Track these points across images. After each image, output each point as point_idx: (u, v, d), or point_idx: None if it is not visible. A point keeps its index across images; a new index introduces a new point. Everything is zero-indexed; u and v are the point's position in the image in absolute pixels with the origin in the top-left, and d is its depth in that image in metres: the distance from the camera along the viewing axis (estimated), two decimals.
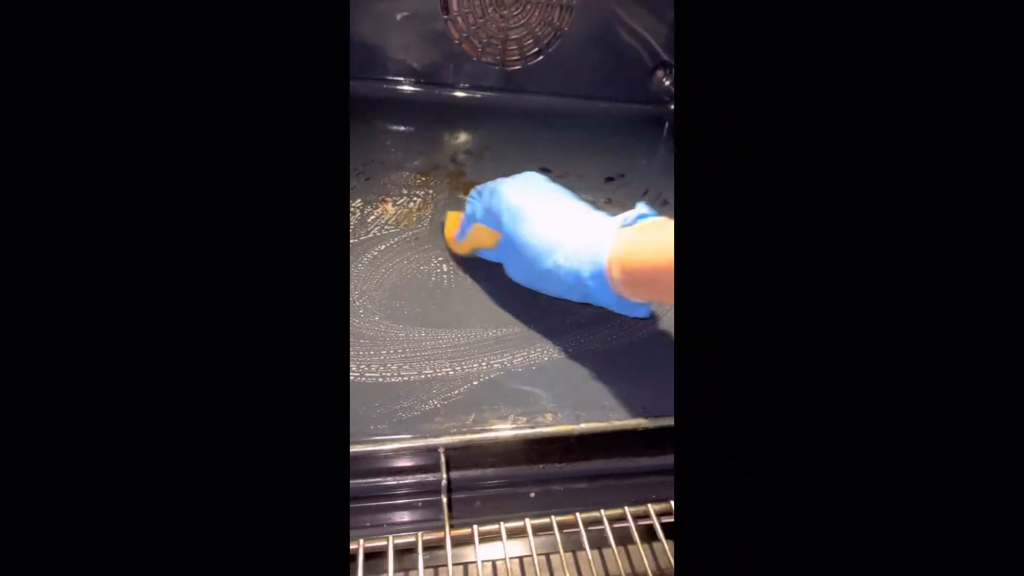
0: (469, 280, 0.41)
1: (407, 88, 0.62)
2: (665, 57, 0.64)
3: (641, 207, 0.33)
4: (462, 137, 0.59)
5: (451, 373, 0.34)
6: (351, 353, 0.34)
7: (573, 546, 0.28)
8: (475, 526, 0.27)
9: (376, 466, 0.31)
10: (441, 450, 0.29)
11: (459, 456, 0.31)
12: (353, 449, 0.28)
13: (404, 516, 0.30)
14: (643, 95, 0.66)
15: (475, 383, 0.33)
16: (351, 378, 0.33)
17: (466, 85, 0.63)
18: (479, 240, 0.39)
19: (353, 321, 0.36)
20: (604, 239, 0.31)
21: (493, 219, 0.37)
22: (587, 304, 0.35)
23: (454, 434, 0.30)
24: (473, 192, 0.39)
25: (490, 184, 0.38)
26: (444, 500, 0.29)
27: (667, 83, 0.65)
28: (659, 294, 0.31)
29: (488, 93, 0.63)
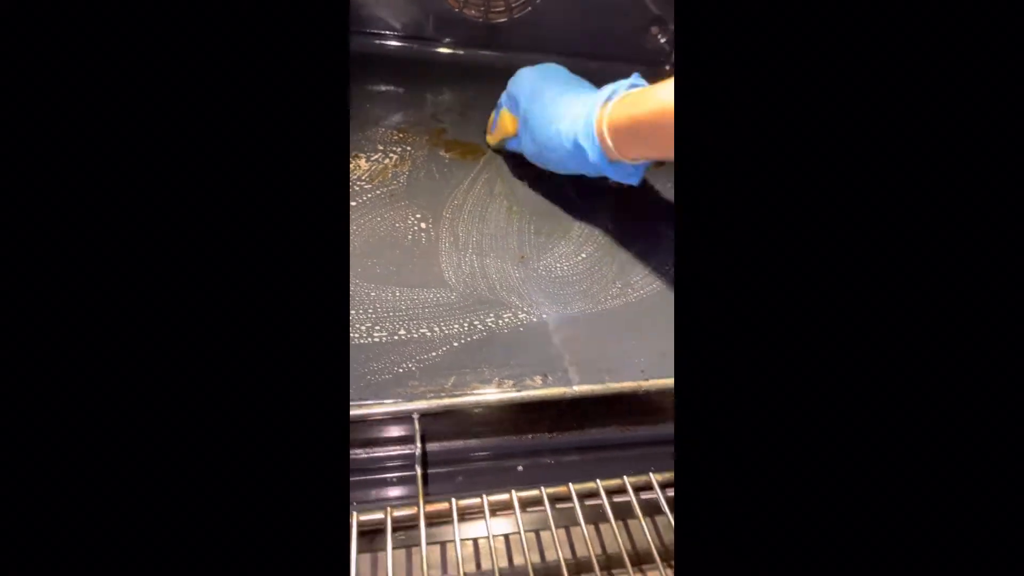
0: (451, 237, 0.37)
1: (387, 43, 0.57)
2: (658, 12, 0.60)
3: (635, 77, 0.34)
4: (444, 95, 0.55)
5: (428, 335, 0.30)
6: None
7: (566, 521, 0.25)
8: (453, 499, 0.24)
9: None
10: (416, 416, 0.26)
11: (437, 425, 0.28)
12: None
13: (372, 492, 0.26)
14: (637, 54, 0.62)
15: (455, 344, 0.30)
16: None
17: (449, 41, 0.59)
18: (505, 128, 0.41)
19: None
20: (598, 102, 0.33)
21: (512, 103, 0.41)
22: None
23: (431, 399, 0.26)
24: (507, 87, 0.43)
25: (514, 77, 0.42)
26: (418, 472, 0.25)
27: (662, 40, 0.62)
28: (648, 149, 0.32)
29: (472, 50, 0.59)
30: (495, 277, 0.35)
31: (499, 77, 0.58)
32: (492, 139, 0.44)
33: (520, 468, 0.29)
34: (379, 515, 0.23)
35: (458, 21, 0.57)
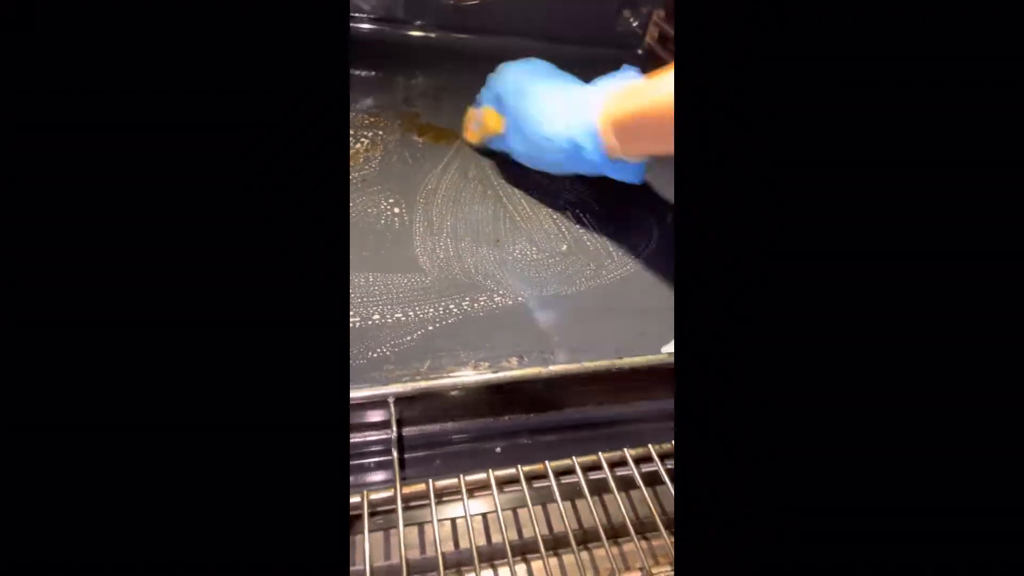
0: (426, 222, 0.37)
1: (358, 27, 0.56)
2: None
3: (627, 69, 0.34)
4: (417, 79, 0.54)
5: (403, 319, 0.30)
6: None
7: (543, 499, 0.25)
8: (431, 480, 0.24)
9: None
10: (391, 400, 0.26)
11: (413, 409, 0.28)
12: None
13: (350, 478, 0.26)
14: (608, 38, 0.62)
15: (430, 328, 0.30)
16: None
17: (420, 24, 0.58)
18: (489, 127, 0.39)
19: None
20: (594, 99, 0.32)
21: (497, 100, 0.38)
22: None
23: (406, 382, 0.26)
24: (486, 83, 0.41)
25: (495, 73, 0.40)
26: (395, 456, 0.25)
27: (634, 23, 0.62)
28: (653, 143, 0.31)
29: (444, 33, 0.58)
30: (470, 261, 0.35)
31: (473, 60, 0.57)
32: (472, 137, 0.43)
33: (498, 450, 0.29)
34: (356, 499, 0.23)
35: (429, 4, 0.56)
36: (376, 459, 0.27)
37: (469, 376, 0.27)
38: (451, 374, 0.27)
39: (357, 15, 0.56)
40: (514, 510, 0.26)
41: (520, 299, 0.33)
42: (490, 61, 0.58)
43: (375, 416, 0.27)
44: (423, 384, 0.26)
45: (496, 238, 0.37)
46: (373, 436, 0.28)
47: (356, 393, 0.26)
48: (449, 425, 0.29)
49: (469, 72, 0.56)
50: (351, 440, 0.27)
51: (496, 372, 0.28)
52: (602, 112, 0.32)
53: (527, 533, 0.25)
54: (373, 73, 0.53)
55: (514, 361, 0.29)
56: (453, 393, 0.28)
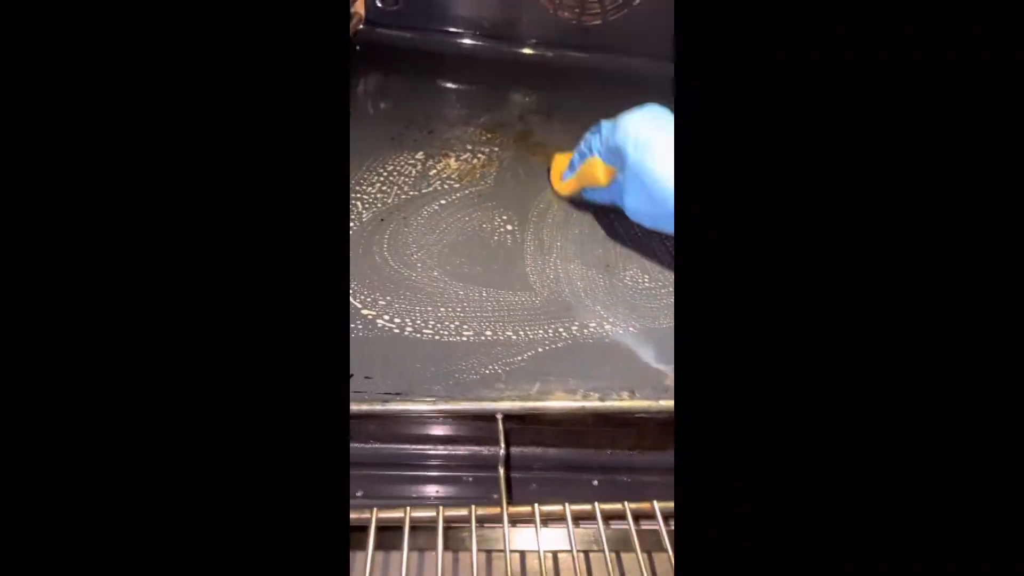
0: (536, 241, 0.37)
1: (473, 43, 0.58)
2: None
3: None
4: (530, 96, 0.55)
5: (513, 338, 0.30)
6: (403, 307, 0.31)
7: (651, 545, 0.24)
8: (536, 505, 0.24)
9: (424, 432, 0.28)
10: (499, 417, 0.26)
11: (518, 430, 0.28)
12: (400, 407, 0.25)
13: (451, 490, 0.27)
14: None
15: (540, 351, 0.30)
16: (405, 333, 0.30)
17: (533, 41, 0.59)
18: (590, 177, 0.36)
19: (410, 275, 0.33)
20: None
21: (613, 154, 0.35)
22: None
23: (516, 400, 0.26)
24: (591, 129, 0.38)
25: (611, 120, 0.36)
26: (501, 474, 0.25)
27: None
28: None
29: (560, 51, 0.59)
30: (579, 284, 0.34)
31: (587, 79, 0.57)
32: (566, 188, 0.39)
33: (595, 483, 0.29)
34: (463, 511, 0.23)
35: (549, 21, 0.57)
36: (477, 472, 0.28)
37: (577, 403, 0.27)
38: (560, 399, 0.27)
39: (475, 31, 0.58)
40: (618, 553, 0.24)
41: (632, 329, 0.32)
42: (605, 80, 0.58)
43: (481, 432, 0.28)
44: (533, 404, 0.26)
45: (606, 263, 0.36)
46: (476, 450, 0.28)
47: (467, 405, 0.26)
48: (550, 450, 0.28)
49: (582, 91, 0.56)
50: (456, 451, 0.28)
51: (605, 402, 0.27)
52: None
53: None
54: (490, 89, 0.54)
55: (625, 395, 0.28)
56: (558, 417, 0.27)
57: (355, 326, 0.29)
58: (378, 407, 0.25)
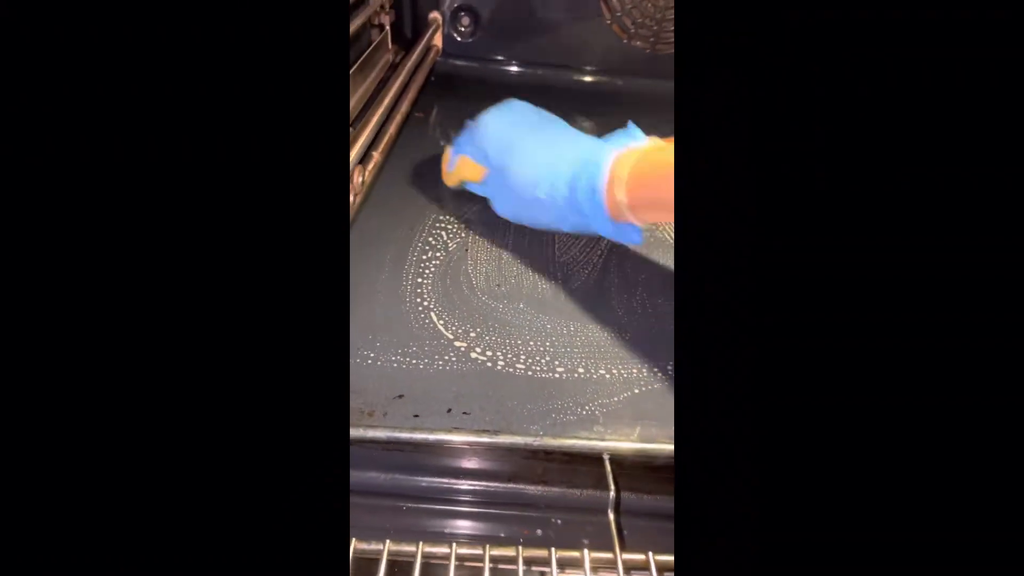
0: (621, 273, 0.36)
1: (545, 71, 0.59)
2: None
3: (633, 128, 0.32)
4: (599, 124, 0.54)
5: (607, 376, 0.29)
6: (494, 339, 0.31)
7: None
8: (651, 553, 0.23)
9: (525, 470, 0.27)
10: (606, 458, 0.25)
11: (621, 473, 0.27)
12: (502, 440, 0.25)
13: (558, 532, 0.26)
14: None
15: (636, 391, 0.29)
16: (497, 367, 0.29)
17: (607, 69, 0.59)
18: (465, 173, 0.38)
19: (496, 306, 0.33)
20: (601, 159, 0.30)
21: (479, 153, 0.36)
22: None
23: (621, 442, 0.25)
24: (461, 129, 0.39)
25: (473, 121, 0.38)
26: (612, 519, 0.24)
27: None
28: (668, 212, 0.29)
29: (630, 79, 0.59)
30: (670, 320, 0.33)
31: (658, 105, 0.57)
32: (450, 180, 0.40)
33: None
34: (575, 553, 0.23)
35: (616, 49, 0.57)
36: (589, 517, 0.27)
37: None
38: (665, 444, 0.26)
39: (545, 60, 0.58)
40: None
41: None
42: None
43: (586, 470, 0.27)
44: (641, 446, 0.25)
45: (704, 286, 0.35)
46: (587, 493, 0.27)
47: (568, 443, 0.26)
48: (660, 498, 0.27)
49: (653, 117, 0.56)
50: (556, 490, 0.27)
51: None
52: (613, 175, 0.29)
53: None
54: (563, 117, 0.54)
55: None
56: (667, 463, 0.26)
57: (448, 358, 0.30)
58: (484, 439, 0.25)
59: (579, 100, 0.57)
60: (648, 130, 0.52)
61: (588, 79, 0.59)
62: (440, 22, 0.56)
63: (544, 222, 0.35)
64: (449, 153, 0.40)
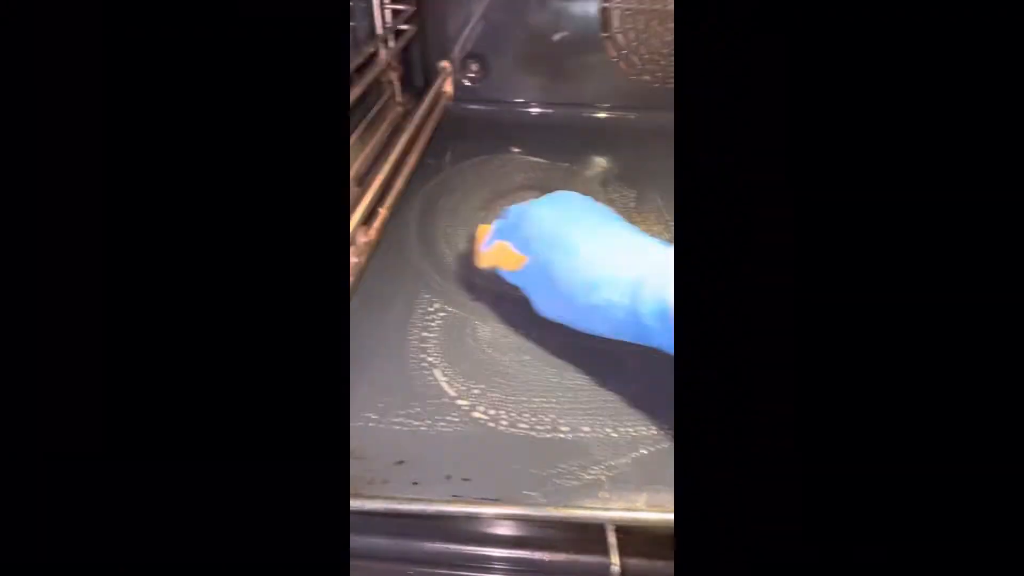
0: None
1: (554, 111, 0.59)
2: None
3: None
4: (612, 161, 0.54)
5: (613, 435, 0.29)
6: (497, 396, 0.30)
7: None
8: None
9: (529, 536, 0.26)
10: (610, 528, 0.24)
11: (625, 540, 0.25)
12: (497, 510, 0.25)
13: None
14: None
15: (643, 452, 0.28)
16: (500, 427, 0.29)
17: (616, 105, 0.59)
18: (501, 259, 0.35)
19: (501, 359, 0.33)
20: (661, 257, 0.28)
21: (521, 242, 0.33)
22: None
23: (625, 510, 0.24)
24: (504, 211, 0.36)
25: (520, 205, 0.35)
26: None
27: None
28: None
29: (642, 113, 0.59)
30: None
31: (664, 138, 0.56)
32: (483, 261, 0.36)
33: None
34: None
35: (624, 85, 0.57)
36: None
37: None
38: (669, 510, 0.25)
39: (552, 100, 0.59)
40: None
41: None
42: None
43: (586, 539, 0.26)
44: (645, 516, 0.24)
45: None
46: (582, 559, 0.26)
47: (572, 512, 0.25)
48: (659, 564, 0.26)
49: (659, 150, 0.55)
50: (561, 556, 0.26)
51: None
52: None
53: None
54: (570, 155, 0.54)
55: None
56: (669, 531, 0.25)
57: (451, 419, 0.29)
58: (484, 509, 0.25)
59: (591, 137, 0.57)
60: (665, 163, 0.52)
61: (600, 115, 0.60)
62: (450, 70, 0.57)
63: (597, 329, 0.31)
64: (484, 232, 0.36)
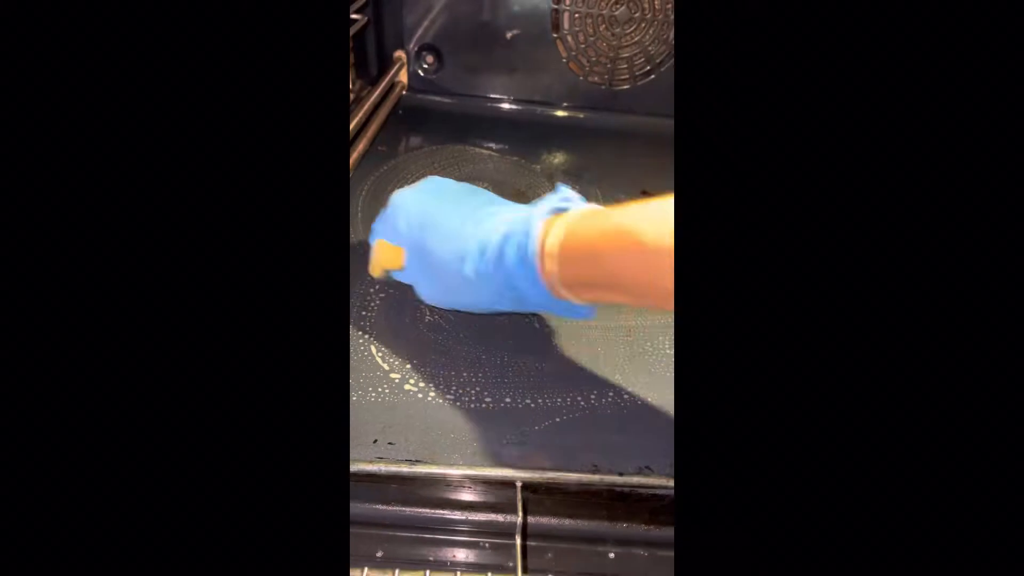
0: None
1: (508, 107, 0.62)
2: None
3: (565, 190, 0.28)
4: (559, 157, 0.57)
5: (532, 406, 0.31)
6: (429, 371, 0.33)
7: None
8: (550, 575, 0.24)
9: (442, 496, 0.29)
10: (519, 485, 0.27)
11: (535, 499, 0.28)
12: (422, 470, 0.27)
13: (468, 556, 0.27)
14: None
15: (558, 420, 0.30)
16: (428, 399, 0.31)
17: (567, 104, 0.61)
18: (386, 260, 0.33)
19: (436, 337, 0.35)
20: (530, 224, 0.26)
21: (393, 233, 0.32)
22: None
23: (534, 470, 0.27)
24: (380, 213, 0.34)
25: (392, 196, 0.33)
26: (518, 543, 0.26)
27: None
28: (610, 291, 0.25)
29: (590, 113, 0.61)
30: (601, 351, 0.35)
31: (617, 138, 0.59)
32: (373, 271, 0.35)
33: (612, 555, 0.29)
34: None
35: (581, 86, 0.59)
36: (492, 539, 0.28)
37: (593, 477, 0.27)
38: (575, 472, 0.27)
39: (507, 96, 0.61)
40: None
41: (650, 400, 0.32)
42: (635, 140, 0.59)
43: (497, 499, 0.28)
44: (551, 475, 0.27)
45: (627, 331, 0.37)
46: (492, 518, 0.28)
47: (484, 472, 0.27)
48: (566, 521, 0.29)
49: (613, 151, 0.58)
50: (475, 517, 0.28)
51: (621, 476, 0.27)
52: (543, 247, 0.25)
53: None
54: (519, 152, 0.57)
55: (643, 469, 0.28)
56: (577, 489, 0.28)
57: (381, 390, 0.31)
58: (403, 469, 0.27)
59: (542, 133, 0.59)
60: (610, 163, 0.55)
61: (551, 112, 0.62)
62: (405, 60, 0.59)
63: (478, 304, 0.30)
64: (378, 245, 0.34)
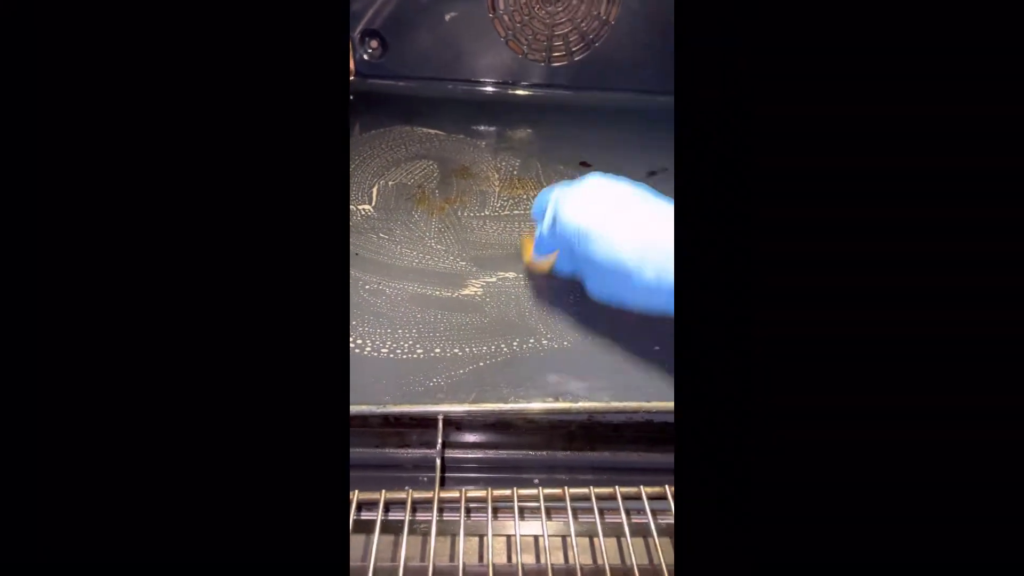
0: (491, 266, 0.41)
1: (451, 87, 0.64)
2: None
3: None
4: (503, 134, 0.60)
5: (459, 354, 0.35)
6: (366, 329, 0.36)
7: (588, 531, 0.28)
8: (463, 489, 0.28)
9: (375, 430, 0.32)
10: (440, 417, 0.30)
11: (457, 431, 0.32)
12: (355, 409, 0.30)
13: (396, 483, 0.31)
14: None
15: (481, 364, 0.34)
16: (364, 352, 0.34)
17: (509, 82, 0.64)
18: (538, 266, 0.39)
19: (377, 302, 0.38)
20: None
21: (562, 242, 0.35)
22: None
23: (454, 403, 0.31)
24: (534, 211, 0.38)
25: (550, 206, 0.35)
26: (438, 464, 0.30)
27: None
28: None
29: (531, 90, 0.64)
30: (527, 304, 0.38)
31: (559, 113, 0.62)
32: (540, 268, 0.39)
33: (536, 481, 0.32)
34: (402, 495, 0.28)
35: (518, 61, 0.62)
36: (422, 473, 0.32)
37: (507, 407, 0.31)
38: (494, 404, 0.31)
39: (450, 77, 0.63)
40: (562, 538, 0.28)
41: (567, 344, 0.36)
42: (577, 114, 0.62)
43: (424, 434, 0.32)
44: (469, 407, 0.30)
45: (552, 285, 0.40)
46: (423, 452, 0.32)
47: (409, 409, 0.31)
48: (490, 453, 0.32)
49: (555, 126, 0.60)
50: (402, 453, 0.32)
51: (531, 403, 0.31)
52: None
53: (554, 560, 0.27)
54: (460, 130, 0.59)
55: (551, 400, 0.32)
56: (494, 421, 0.31)
57: None
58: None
59: (485, 111, 0.62)
60: (552, 137, 0.57)
61: (492, 90, 0.64)
62: (350, 46, 0.61)
63: (656, 306, 0.31)
64: (530, 243, 0.39)
